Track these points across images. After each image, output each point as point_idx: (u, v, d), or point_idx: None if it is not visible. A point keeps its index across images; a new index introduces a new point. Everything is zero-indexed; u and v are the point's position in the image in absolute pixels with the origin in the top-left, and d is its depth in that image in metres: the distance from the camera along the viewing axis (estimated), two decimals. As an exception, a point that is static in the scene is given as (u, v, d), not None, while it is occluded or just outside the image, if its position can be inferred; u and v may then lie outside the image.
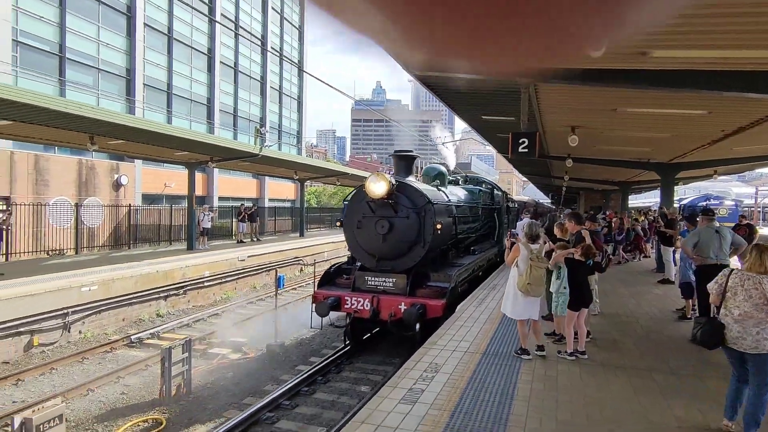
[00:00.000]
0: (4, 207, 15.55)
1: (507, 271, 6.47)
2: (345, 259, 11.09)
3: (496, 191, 15.84)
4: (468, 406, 4.70)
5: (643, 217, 18.74)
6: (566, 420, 4.42)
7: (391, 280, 9.05)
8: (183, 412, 7.60)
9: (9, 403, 7.88)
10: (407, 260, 9.17)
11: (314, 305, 9.15)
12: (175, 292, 14.08)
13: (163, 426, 7.13)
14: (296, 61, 44.64)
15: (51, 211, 18.15)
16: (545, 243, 7.37)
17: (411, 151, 10.32)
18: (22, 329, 10.04)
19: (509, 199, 18.06)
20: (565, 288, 6.32)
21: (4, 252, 14.90)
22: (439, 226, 8.86)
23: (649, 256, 16.51)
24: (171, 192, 26.95)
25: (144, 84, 26.13)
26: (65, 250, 18.01)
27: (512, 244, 6.51)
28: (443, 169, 12.25)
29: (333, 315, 9.48)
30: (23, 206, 16.74)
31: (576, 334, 6.29)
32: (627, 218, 16.56)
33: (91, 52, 23.04)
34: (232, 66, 34.94)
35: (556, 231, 7.80)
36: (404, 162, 10.20)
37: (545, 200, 55.47)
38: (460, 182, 14.58)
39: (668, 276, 11.88)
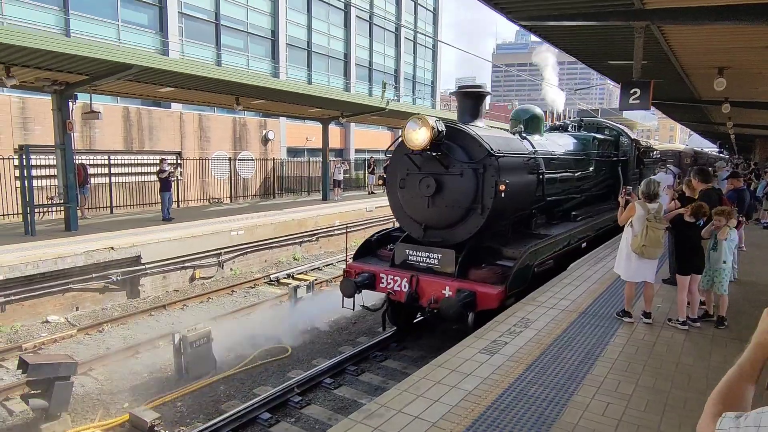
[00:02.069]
0: (175, 161, 18.34)
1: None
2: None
3: (622, 139, 12.69)
4: (547, 362, 4.78)
5: None
6: (647, 385, 4.30)
7: (435, 256, 7.20)
8: (306, 343, 8.69)
9: (177, 323, 9.71)
10: (462, 230, 7.22)
11: (341, 281, 7.72)
12: (309, 238, 15.60)
13: (288, 353, 8.27)
14: (431, 9, 43.90)
15: (212, 164, 20.90)
16: (671, 201, 6.81)
17: (480, 86, 8.09)
18: (187, 264, 12.10)
19: (646, 148, 14.61)
20: (724, 262, 5.83)
21: (176, 200, 17.68)
22: (502, 187, 6.74)
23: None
24: (311, 145, 29.05)
25: (287, 44, 28.04)
26: (222, 199, 20.76)
27: (626, 201, 6.14)
28: (537, 111, 9.67)
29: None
30: (191, 160, 19.54)
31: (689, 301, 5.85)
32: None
33: (241, 17, 25.26)
34: (368, 20, 35.60)
35: (684, 188, 7.15)
36: (470, 101, 7.81)
37: (711, 149, 48.38)
38: (570, 128, 12.32)
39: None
